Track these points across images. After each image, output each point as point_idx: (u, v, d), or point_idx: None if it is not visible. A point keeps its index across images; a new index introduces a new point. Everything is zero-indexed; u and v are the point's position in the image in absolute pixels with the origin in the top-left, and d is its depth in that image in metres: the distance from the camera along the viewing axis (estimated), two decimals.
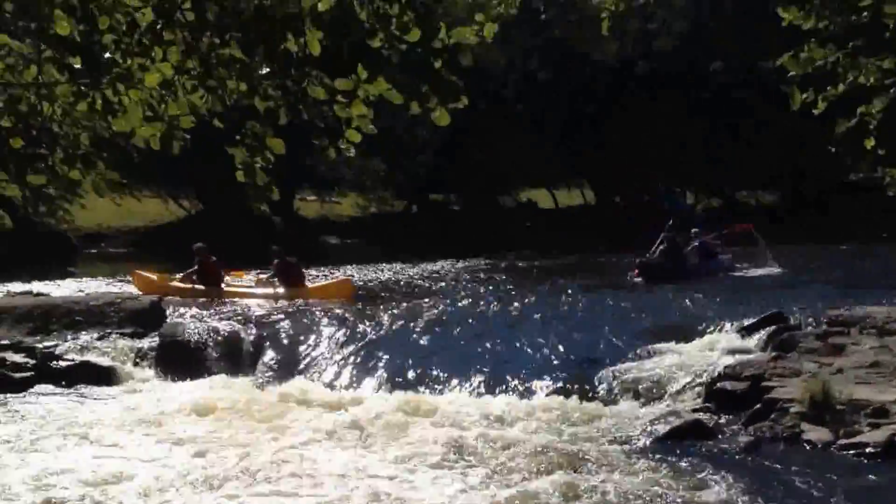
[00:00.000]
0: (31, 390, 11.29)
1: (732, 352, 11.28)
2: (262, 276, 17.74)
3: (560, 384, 10.91)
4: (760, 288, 17.67)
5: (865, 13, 5.12)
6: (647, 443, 8.75)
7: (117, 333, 13.30)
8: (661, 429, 8.99)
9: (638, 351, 11.68)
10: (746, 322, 12.24)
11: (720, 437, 8.84)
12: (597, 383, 10.83)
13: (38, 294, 15.76)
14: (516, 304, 15.42)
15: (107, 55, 4.13)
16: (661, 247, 19.63)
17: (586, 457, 8.23)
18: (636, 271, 18.99)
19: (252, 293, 17.12)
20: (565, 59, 40.45)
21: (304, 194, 46.54)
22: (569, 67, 40.47)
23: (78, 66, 4.17)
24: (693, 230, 20.77)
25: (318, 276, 20.01)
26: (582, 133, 41.71)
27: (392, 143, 38.91)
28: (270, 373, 12.35)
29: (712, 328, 12.43)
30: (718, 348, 11.55)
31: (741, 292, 16.83)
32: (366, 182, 45.23)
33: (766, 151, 39.93)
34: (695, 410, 9.60)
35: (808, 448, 8.23)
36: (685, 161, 41.14)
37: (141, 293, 16.32)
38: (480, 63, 40.79)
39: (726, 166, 41.21)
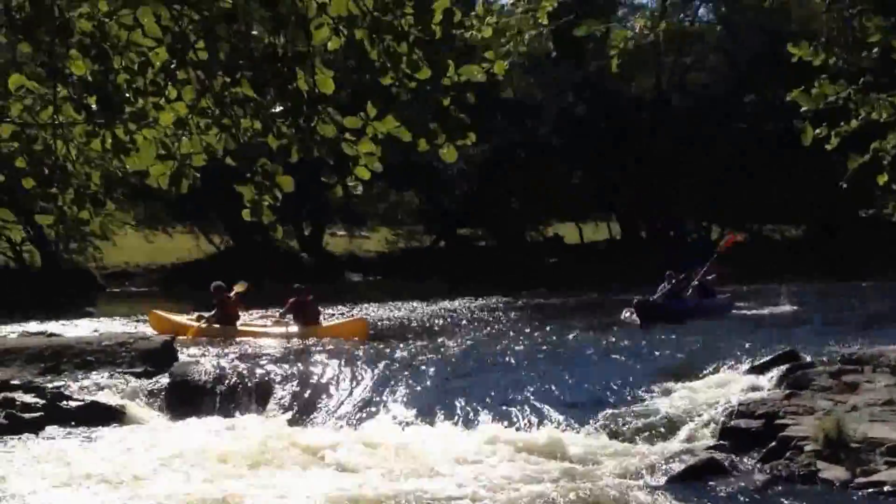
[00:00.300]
0: (42, 432, 11.21)
1: (745, 389, 11.24)
2: (276, 313, 17.79)
3: (575, 422, 10.85)
4: (773, 325, 17.62)
5: (876, 49, 5.15)
6: (663, 481, 8.69)
7: (128, 373, 13.27)
8: (677, 467, 8.92)
9: (652, 388, 11.66)
10: (759, 360, 12.20)
11: (736, 475, 8.77)
12: (611, 421, 10.76)
13: (52, 334, 15.79)
14: (530, 341, 15.44)
15: (122, 94, 4.17)
16: (664, 285, 19.77)
17: (602, 496, 8.17)
18: (633, 310, 19.07)
19: (266, 332, 17.14)
20: (601, 94, 40.70)
21: (335, 229, 46.70)
22: (604, 102, 40.70)
23: (93, 105, 4.21)
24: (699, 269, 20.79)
25: (335, 314, 20.01)
26: (614, 167, 41.90)
27: (425, 177, 39.33)
28: (281, 413, 12.28)
29: (725, 366, 12.41)
30: (731, 386, 11.52)
31: (754, 330, 16.80)
32: (397, 216, 45.50)
33: (791, 185, 40.07)
34: (709, 448, 9.54)
35: (824, 487, 8.18)
36: (711, 195, 41.26)
37: (156, 333, 16.33)
38: (518, 98, 41.35)
39: (752, 200, 41.18)
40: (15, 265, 33.20)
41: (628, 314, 19.24)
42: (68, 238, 33.43)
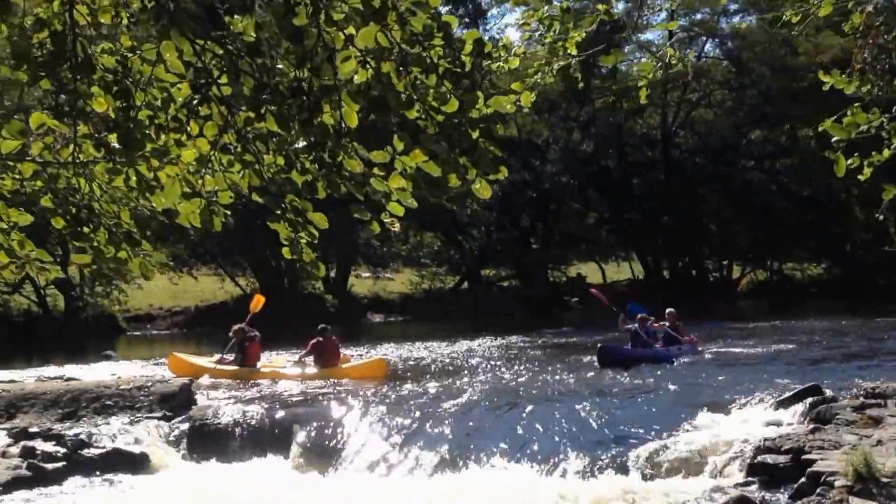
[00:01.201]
0: (65, 482, 11.07)
1: (770, 424, 11.07)
2: (298, 355, 17.70)
3: (598, 462, 10.66)
4: (794, 360, 17.42)
5: None
6: None
7: (147, 418, 13.17)
8: None
9: (675, 425, 11.44)
10: (782, 395, 12.02)
11: None
12: (636, 459, 10.56)
13: (69, 378, 15.70)
14: (552, 380, 15.33)
15: (142, 131, 4.12)
16: (633, 327, 18.99)
17: None
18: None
19: (286, 374, 17.04)
20: (608, 131, 40.82)
21: (359, 271, 46.85)
22: (611, 140, 40.82)
23: (114, 143, 4.16)
24: (668, 310, 19.88)
25: (355, 354, 19.87)
26: (627, 205, 41.98)
27: (448, 219, 39.48)
28: (303, 456, 12.14)
29: (748, 401, 12.21)
30: (755, 421, 11.32)
31: (776, 364, 16.61)
32: (419, 258, 45.66)
33: (811, 222, 39.97)
34: (738, 485, 9.32)
35: None
36: (731, 232, 41.22)
37: (175, 375, 16.23)
38: (523, 137, 41.60)
39: (772, 238, 41.06)
40: (38, 309, 33.23)
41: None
42: (94, 281, 33.67)
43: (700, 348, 19.43)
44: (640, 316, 19.16)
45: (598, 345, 18.40)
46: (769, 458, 9.68)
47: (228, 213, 4.64)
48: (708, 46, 45.26)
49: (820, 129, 4.82)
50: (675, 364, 17.56)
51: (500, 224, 41.47)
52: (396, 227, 4.40)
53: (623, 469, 10.42)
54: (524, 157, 41.42)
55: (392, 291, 44.96)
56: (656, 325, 19.24)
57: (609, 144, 41.58)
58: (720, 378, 14.70)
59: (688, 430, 11.23)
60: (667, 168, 42.34)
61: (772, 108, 41.55)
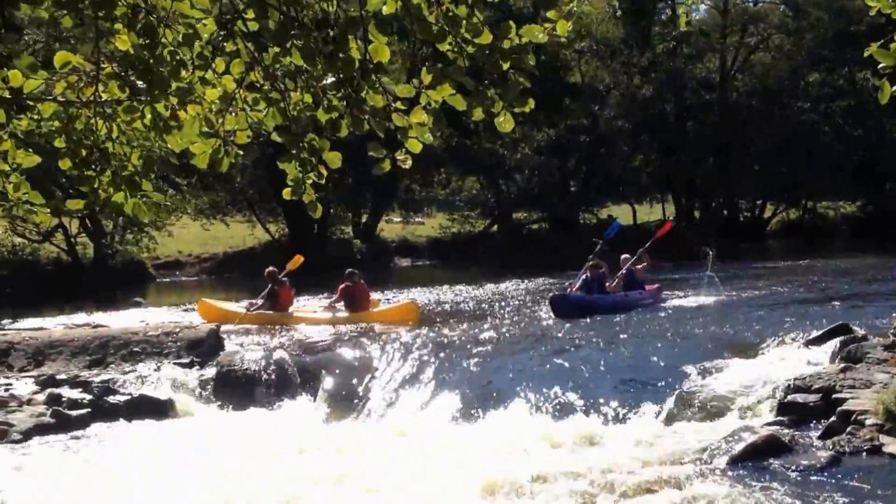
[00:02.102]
0: (89, 428, 11.15)
1: (800, 364, 10.98)
2: (328, 300, 17.71)
3: (628, 404, 10.65)
4: (823, 300, 17.29)
5: None
6: (725, 461, 8.44)
7: (175, 364, 13.21)
8: (738, 446, 8.65)
9: (704, 366, 11.40)
10: (812, 334, 11.95)
11: (798, 452, 8.51)
12: (665, 401, 10.54)
13: (97, 325, 15.80)
14: (576, 324, 15.22)
15: (167, 69, 4.02)
16: (584, 276, 17.98)
17: (662, 478, 7.97)
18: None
19: (316, 318, 17.06)
20: (668, 76, 40.98)
21: (391, 216, 47.06)
22: (670, 84, 41.01)
23: (139, 82, 4.06)
24: (623, 256, 18.95)
25: (383, 299, 19.89)
26: (676, 148, 42.17)
27: (490, 162, 39.64)
28: (330, 401, 12.16)
29: (776, 341, 12.16)
30: (785, 361, 11.25)
31: (804, 304, 16.50)
32: (455, 202, 45.92)
33: (856, 161, 40.16)
34: (768, 425, 9.28)
35: (890, 461, 7.93)
36: (772, 172, 41.38)
37: (204, 321, 16.29)
38: (585, 83, 41.97)
39: (813, 177, 40.99)
40: (68, 257, 33.54)
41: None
42: (125, 228, 33.95)
43: (664, 297, 18.59)
44: (592, 262, 18.12)
45: (551, 294, 17.53)
46: (799, 398, 9.67)
47: (241, 153, 4.56)
48: None
49: (866, 54, 4.66)
50: (704, 306, 17.40)
51: (547, 168, 41.41)
52: (408, 164, 4.31)
53: (651, 411, 10.41)
54: (585, 103, 41.63)
55: (420, 235, 44.97)
56: (637, 266, 18.57)
57: (668, 88, 41.77)
58: (748, 318, 14.63)
59: (716, 371, 11.20)
60: (722, 111, 42.58)
61: (829, 51, 41.72)
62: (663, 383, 11.08)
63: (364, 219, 42.54)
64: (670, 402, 10.49)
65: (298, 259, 18.17)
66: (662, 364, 11.78)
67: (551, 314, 16.55)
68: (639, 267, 18.82)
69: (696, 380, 11.01)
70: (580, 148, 42.19)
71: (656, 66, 42.42)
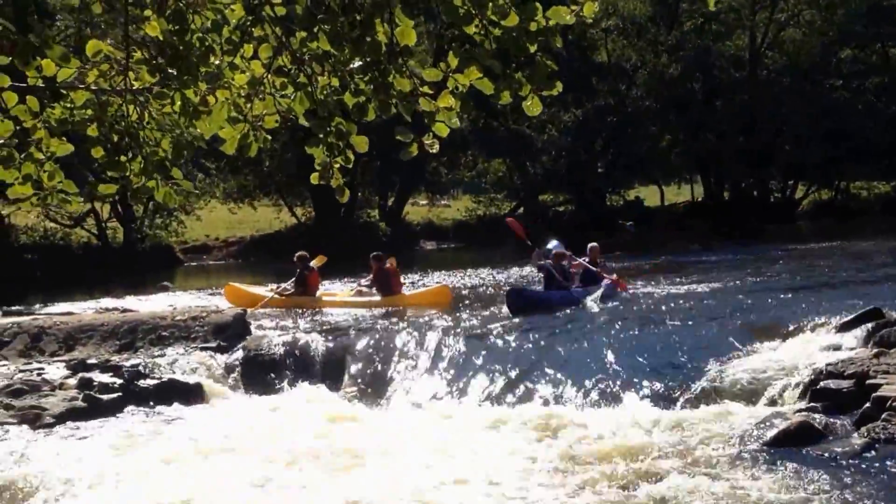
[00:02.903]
0: (120, 413, 11.25)
1: (831, 349, 10.83)
2: (362, 284, 17.71)
3: (656, 389, 10.61)
4: (853, 283, 17.10)
5: None
6: (756, 447, 8.38)
7: (202, 348, 13.32)
8: (769, 433, 8.59)
9: (733, 350, 11.29)
10: (843, 318, 11.78)
11: (832, 439, 8.42)
12: (694, 386, 10.46)
13: (126, 310, 15.95)
14: (604, 308, 15.16)
15: (196, 55, 4.03)
16: (547, 264, 16.62)
17: (691, 464, 7.94)
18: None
19: (345, 301, 17.10)
20: (696, 54, 40.61)
21: (417, 199, 47.14)
22: (699, 63, 40.64)
23: (169, 68, 4.08)
24: (591, 245, 17.57)
25: (407, 283, 19.87)
26: (705, 127, 41.85)
27: (517, 144, 39.54)
28: (360, 386, 12.21)
29: (807, 325, 11.96)
30: (816, 345, 11.07)
31: (835, 287, 16.32)
32: (482, 185, 45.92)
33: (890, 140, 39.61)
34: (800, 411, 9.18)
35: None
36: (804, 151, 40.92)
37: (231, 306, 16.38)
38: (612, 61, 41.67)
39: (845, 156, 40.75)
40: (98, 242, 33.93)
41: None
42: (154, 213, 34.27)
43: (627, 290, 17.16)
44: (555, 252, 16.88)
45: (506, 288, 16.62)
46: (832, 384, 9.55)
47: (269, 137, 4.58)
48: None
49: None
50: (733, 289, 17.21)
51: (573, 149, 41.29)
52: (436, 149, 4.30)
53: (682, 396, 10.35)
54: (611, 83, 41.36)
55: (446, 218, 44.97)
56: (575, 263, 17.16)
57: (696, 67, 41.30)
58: (778, 302, 14.47)
59: (746, 356, 11.09)
60: (752, 89, 42.02)
61: (862, 27, 41.05)
62: (693, 368, 10.99)
63: (390, 202, 42.60)
64: (700, 387, 10.41)
65: (322, 259, 18.21)
66: (692, 348, 11.66)
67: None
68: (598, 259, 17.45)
69: (726, 364, 10.90)
70: (607, 128, 41.84)
71: (684, 44, 41.92)
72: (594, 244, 17.63)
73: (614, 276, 17.24)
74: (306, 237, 32.24)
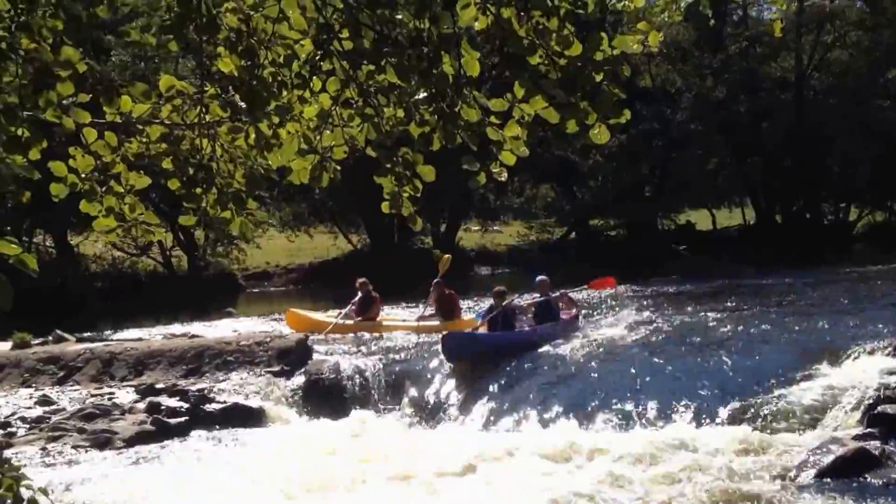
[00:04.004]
0: (187, 437, 11.50)
1: (888, 373, 10.64)
2: (424, 314, 17.73)
3: (710, 415, 10.55)
4: None
5: None
6: (813, 475, 8.29)
7: (266, 373, 13.55)
8: (825, 459, 8.47)
9: (788, 375, 11.21)
10: None
11: (890, 466, 8.30)
12: (749, 412, 10.40)
13: (193, 336, 16.28)
14: (660, 332, 15.07)
15: (267, 89, 4.16)
16: (493, 306, 15.00)
17: (746, 492, 7.86)
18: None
19: (407, 326, 17.21)
20: (741, 76, 40.42)
21: (469, 225, 47.37)
22: (744, 85, 40.41)
23: (240, 102, 4.22)
24: (539, 278, 15.93)
25: (468, 307, 19.92)
26: (752, 150, 41.52)
27: (563, 169, 39.64)
28: (414, 411, 12.32)
29: (863, 349, 11.79)
30: (872, 370, 10.88)
31: (891, 311, 16.01)
32: (532, 210, 46.01)
33: None
34: (857, 438, 9.07)
35: None
36: (854, 173, 40.28)
37: (293, 331, 16.60)
38: (656, 86, 41.61)
39: (889, 176, 40.05)
40: (163, 269, 34.71)
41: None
42: (216, 242, 34.98)
43: (581, 322, 16.28)
44: (496, 288, 15.28)
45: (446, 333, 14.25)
46: (889, 409, 9.43)
47: (339, 168, 4.67)
48: None
49: None
50: (784, 312, 16.96)
51: (619, 174, 41.16)
52: (504, 177, 4.35)
53: (737, 420, 10.28)
54: (656, 107, 41.31)
55: (499, 244, 45.03)
56: (552, 297, 15.78)
57: (741, 89, 41.01)
58: (834, 325, 14.30)
59: (801, 381, 10.98)
60: (799, 111, 41.58)
61: None
62: (748, 392, 10.91)
63: (442, 228, 42.83)
64: (756, 412, 10.36)
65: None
66: (747, 372, 11.58)
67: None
68: (555, 294, 16.11)
69: (781, 389, 10.82)
70: (653, 152, 41.79)
71: (729, 68, 41.65)
72: (542, 277, 16.02)
73: (573, 311, 16.27)
74: (362, 263, 32.50)
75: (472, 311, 19.67)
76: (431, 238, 41.71)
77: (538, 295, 15.84)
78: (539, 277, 15.97)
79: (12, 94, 3.77)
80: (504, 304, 14.77)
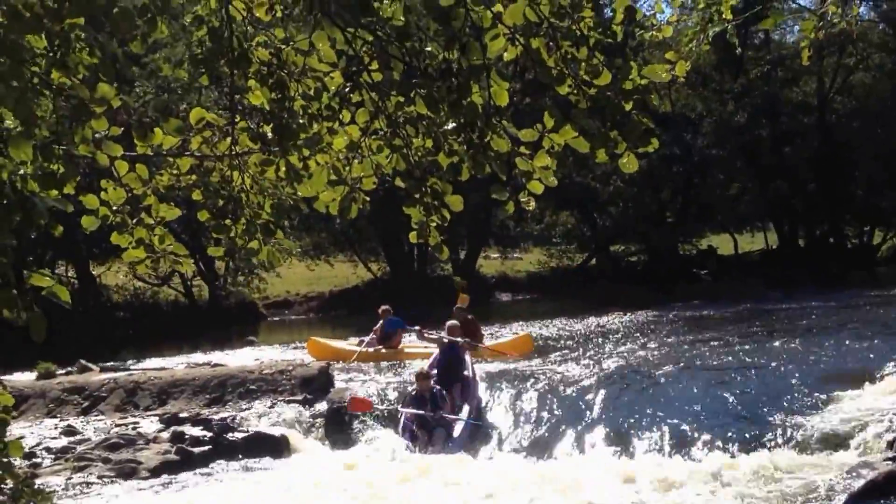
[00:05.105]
0: (211, 465, 11.53)
1: None
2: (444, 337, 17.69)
3: (741, 438, 10.51)
4: None
5: None
6: (844, 499, 8.19)
7: (288, 401, 13.55)
8: (856, 483, 8.42)
9: (816, 398, 11.23)
10: None
11: None
12: (778, 435, 10.39)
13: (216, 365, 16.31)
14: (685, 357, 15.03)
15: (297, 121, 4.19)
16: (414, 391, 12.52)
17: None
18: None
19: (428, 353, 17.15)
20: (763, 100, 40.39)
21: (488, 252, 47.35)
22: (766, 109, 40.38)
23: (269, 134, 4.25)
24: (450, 322, 14.36)
25: (489, 333, 19.87)
26: (775, 174, 41.40)
27: (583, 196, 39.63)
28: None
29: (889, 371, 11.82)
30: None
31: None
32: (551, 237, 45.97)
33: None
34: (888, 460, 8.99)
35: None
36: (878, 196, 40.06)
37: (315, 359, 16.60)
38: (677, 111, 41.59)
39: None
40: (185, 299, 34.89)
41: None
42: (237, 270, 35.13)
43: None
44: (421, 370, 12.80)
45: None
46: None
47: (367, 199, 4.69)
48: (862, 10, 43.99)
49: None
50: (810, 335, 16.92)
51: (640, 199, 41.12)
52: (532, 206, 4.35)
53: (765, 444, 10.26)
54: (677, 132, 41.33)
55: (519, 271, 44.99)
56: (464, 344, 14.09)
57: (763, 114, 40.97)
58: (861, 349, 14.32)
59: (829, 404, 11.01)
60: (822, 134, 41.50)
61: None
62: (775, 415, 10.91)
63: (462, 256, 42.86)
64: (785, 436, 10.35)
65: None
66: (773, 395, 11.61)
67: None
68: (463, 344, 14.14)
69: (809, 412, 10.84)
70: (674, 177, 41.70)
71: (750, 92, 41.63)
72: (453, 322, 14.49)
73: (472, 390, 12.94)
74: (382, 291, 32.51)
75: (493, 337, 19.64)
76: (451, 265, 41.75)
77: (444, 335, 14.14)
78: (448, 322, 14.37)
79: (45, 129, 3.81)
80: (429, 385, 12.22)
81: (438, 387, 12.31)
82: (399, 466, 10.95)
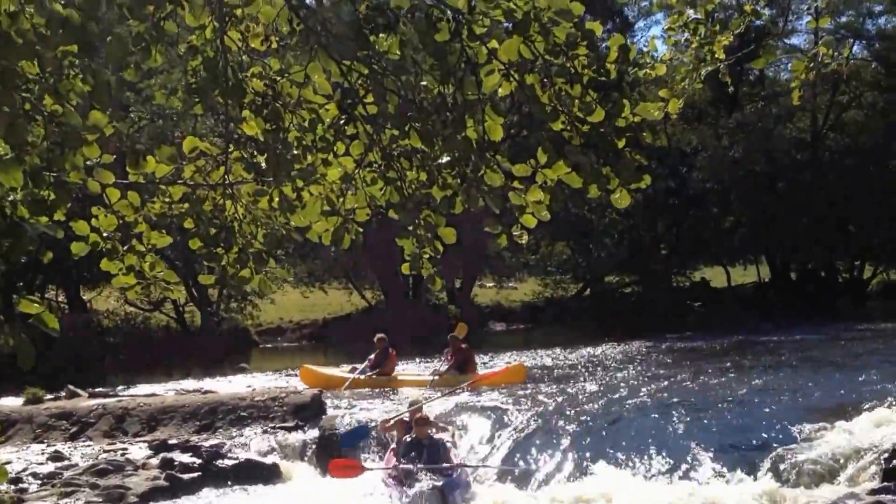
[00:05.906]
0: (199, 492, 11.42)
1: None
2: (438, 365, 17.69)
3: (727, 470, 10.47)
4: None
5: None
6: None
7: (279, 428, 13.46)
8: None
9: (806, 429, 11.16)
10: None
11: None
12: (766, 467, 10.35)
13: (207, 391, 16.21)
14: (676, 388, 15.02)
15: (292, 152, 4.19)
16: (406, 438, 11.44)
17: None
18: None
19: (423, 381, 17.13)
20: (757, 136, 40.79)
21: (483, 281, 47.38)
22: (760, 145, 40.75)
23: (263, 164, 4.25)
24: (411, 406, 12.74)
25: (483, 362, 19.83)
26: (768, 209, 41.74)
27: (579, 226, 39.84)
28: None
29: (879, 404, 11.76)
30: (889, 425, 10.87)
31: None
32: (546, 267, 46.14)
33: None
34: (873, 492, 8.99)
35: None
36: (869, 232, 40.35)
37: (307, 387, 16.52)
38: (672, 145, 41.93)
39: None
40: (177, 325, 34.75)
41: None
42: (230, 297, 35.04)
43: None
44: (418, 415, 11.69)
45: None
46: None
47: (361, 230, 4.69)
48: (855, 48, 44.56)
49: None
50: (801, 366, 16.96)
51: (635, 231, 41.33)
52: (525, 240, 4.35)
53: (753, 475, 10.27)
54: (672, 166, 41.65)
55: (514, 300, 44.98)
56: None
57: (758, 149, 41.35)
58: (849, 382, 14.28)
59: (818, 435, 10.94)
60: (815, 170, 41.89)
61: None
62: (765, 446, 10.88)
63: (457, 285, 42.90)
64: (772, 466, 10.32)
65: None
66: (763, 426, 11.54)
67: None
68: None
69: (798, 443, 10.80)
70: (669, 210, 41.99)
71: (745, 127, 42.01)
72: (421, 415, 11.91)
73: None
74: (377, 319, 32.47)
75: (487, 366, 19.60)
76: (446, 294, 41.76)
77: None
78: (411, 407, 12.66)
79: (36, 156, 3.80)
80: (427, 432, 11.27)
81: (437, 433, 11.32)
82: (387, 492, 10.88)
